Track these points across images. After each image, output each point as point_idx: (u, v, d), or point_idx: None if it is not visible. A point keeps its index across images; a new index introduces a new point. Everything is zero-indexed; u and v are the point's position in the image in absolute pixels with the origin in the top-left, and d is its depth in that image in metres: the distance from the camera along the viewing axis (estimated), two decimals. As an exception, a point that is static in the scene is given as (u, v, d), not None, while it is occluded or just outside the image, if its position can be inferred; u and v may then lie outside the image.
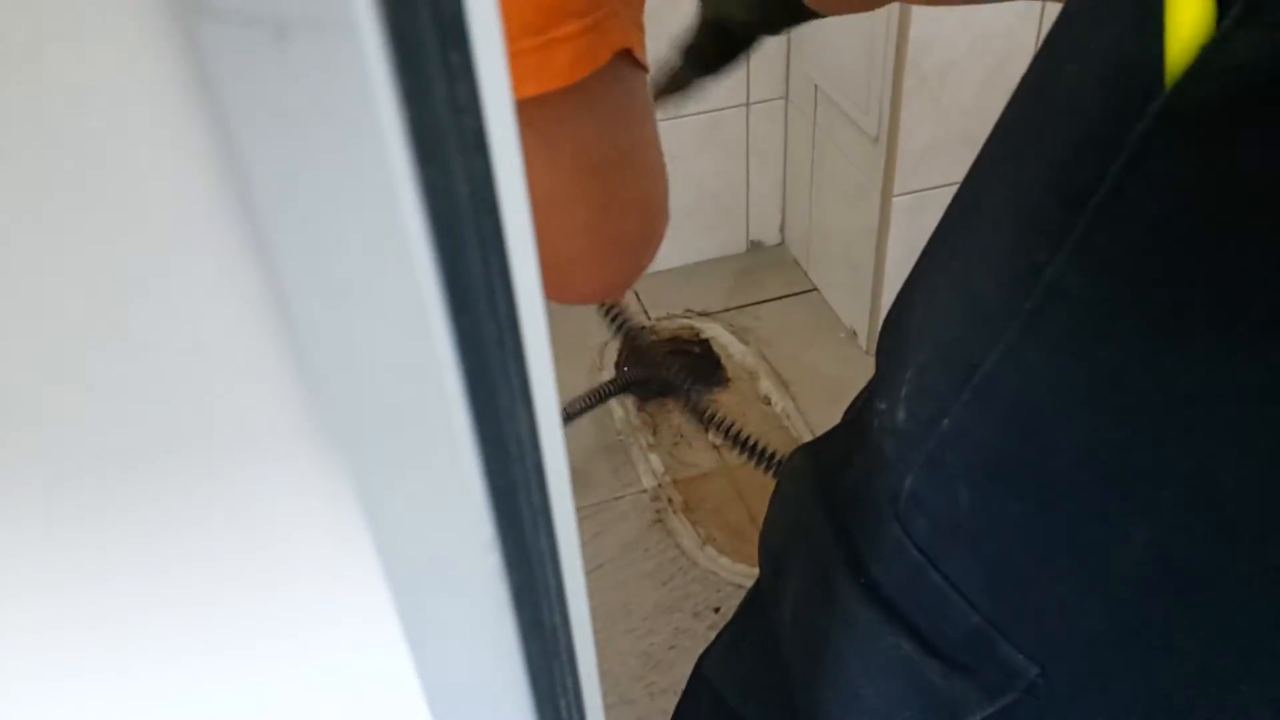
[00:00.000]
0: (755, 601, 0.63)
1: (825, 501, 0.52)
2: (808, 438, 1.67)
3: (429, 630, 0.25)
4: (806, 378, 1.78)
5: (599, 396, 1.67)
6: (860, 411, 0.53)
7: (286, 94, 0.16)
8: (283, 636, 0.26)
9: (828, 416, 1.75)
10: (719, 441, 0.88)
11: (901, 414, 0.45)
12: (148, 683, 0.26)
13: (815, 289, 1.95)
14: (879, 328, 1.75)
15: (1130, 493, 0.37)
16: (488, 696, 0.27)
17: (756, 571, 1.63)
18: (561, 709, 0.28)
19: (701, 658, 0.69)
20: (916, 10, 1.43)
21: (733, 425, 0.92)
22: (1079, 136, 0.35)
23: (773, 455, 0.95)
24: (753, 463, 0.94)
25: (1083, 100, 0.35)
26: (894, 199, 1.61)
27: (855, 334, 1.83)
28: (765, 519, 0.61)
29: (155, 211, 0.19)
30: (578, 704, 0.29)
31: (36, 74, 0.17)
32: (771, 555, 0.59)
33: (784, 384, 1.77)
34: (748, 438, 0.94)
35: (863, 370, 1.78)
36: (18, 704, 0.26)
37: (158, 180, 0.18)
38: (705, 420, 0.91)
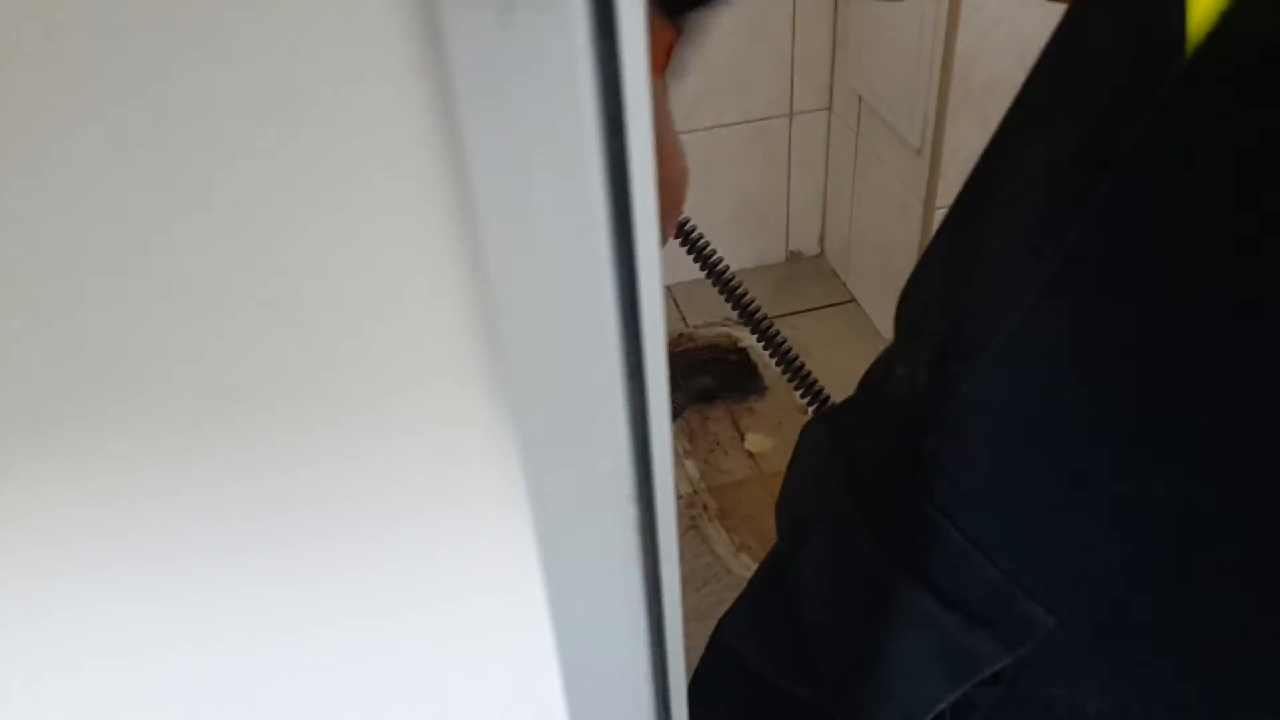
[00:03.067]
0: (774, 568, 0.64)
1: (843, 467, 0.53)
2: (844, 448, 1.67)
3: (569, 571, 0.27)
4: (844, 387, 1.77)
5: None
6: (878, 380, 0.54)
7: (505, 65, 0.18)
8: (434, 561, 0.28)
9: (864, 427, 1.74)
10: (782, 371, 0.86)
11: (922, 378, 0.46)
12: (312, 598, 0.28)
13: (854, 300, 1.95)
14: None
15: (1149, 446, 0.38)
16: (613, 638, 0.29)
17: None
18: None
19: (720, 623, 0.70)
20: (964, 22, 1.43)
21: (796, 358, 0.89)
22: (1100, 102, 0.36)
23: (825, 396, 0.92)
24: (806, 399, 0.91)
25: (1104, 68, 0.36)
26: (936, 211, 1.60)
27: (894, 345, 1.83)
28: (783, 486, 0.62)
29: (377, 166, 0.21)
30: (662, 672, 0.31)
31: (295, 41, 0.19)
32: (790, 521, 0.60)
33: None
34: (807, 373, 0.91)
35: (901, 382, 1.78)
36: (208, 613, 0.28)
37: (383, 137, 0.20)
38: (774, 346, 0.88)
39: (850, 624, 0.52)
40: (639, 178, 0.21)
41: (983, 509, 0.44)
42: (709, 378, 1.78)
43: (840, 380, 1.78)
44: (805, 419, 1.77)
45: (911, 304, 0.51)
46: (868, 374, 0.59)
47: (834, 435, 0.56)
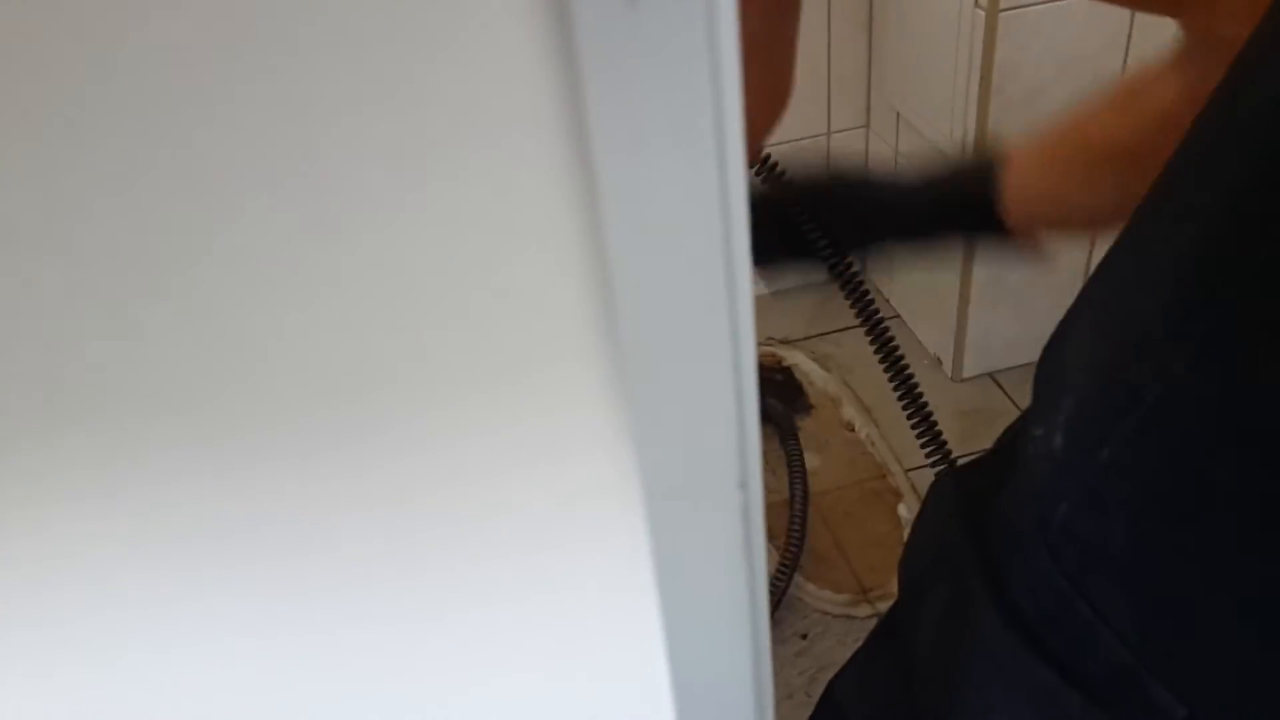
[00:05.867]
0: (890, 625, 0.62)
1: (969, 527, 0.50)
2: (893, 463, 1.66)
3: (677, 551, 0.28)
4: (889, 404, 1.76)
5: None
6: (1013, 439, 0.51)
7: (629, 46, 0.19)
8: (548, 548, 0.29)
9: (912, 442, 1.72)
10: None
11: (1059, 440, 0.43)
12: (418, 587, 0.29)
13: (898, 316, 1.95)
14: (964, 355, 1.73)
15: None
16: (721, 623, 0.30)
17: (842, 598, 1.60)
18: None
19: (833, 680, 0.69)
20: (1001, 34, 1.43)
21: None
22: (1267, 164, 0.34)
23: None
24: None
25: (1273, 128, 0.34)
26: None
27: (940, 361, 1.82)
28: (906, 543, 0.61)
29: (502, 152, 0.21)
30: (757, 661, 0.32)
31: (419, 25, 0.19)
32: (911, 579, 0.58)
33: (867, 410, 1.76)
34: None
35: (946, 396, 1.77)
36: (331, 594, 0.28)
37: (508, 124, 0.21)
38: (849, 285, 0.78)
39: (964, 689, 0.50)
40: (734, 168, 0.21)
41: (1116, 584, 0.41)
42: (774, 399, 1.77)
43: (887, 396, 1.77)
44: (852, 435, 1.76)
45: (1054, 357, 0.48)
46: (1003, 434, 0.57)
47: (961, 493, 0.53)
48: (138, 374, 0.23)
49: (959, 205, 0.64)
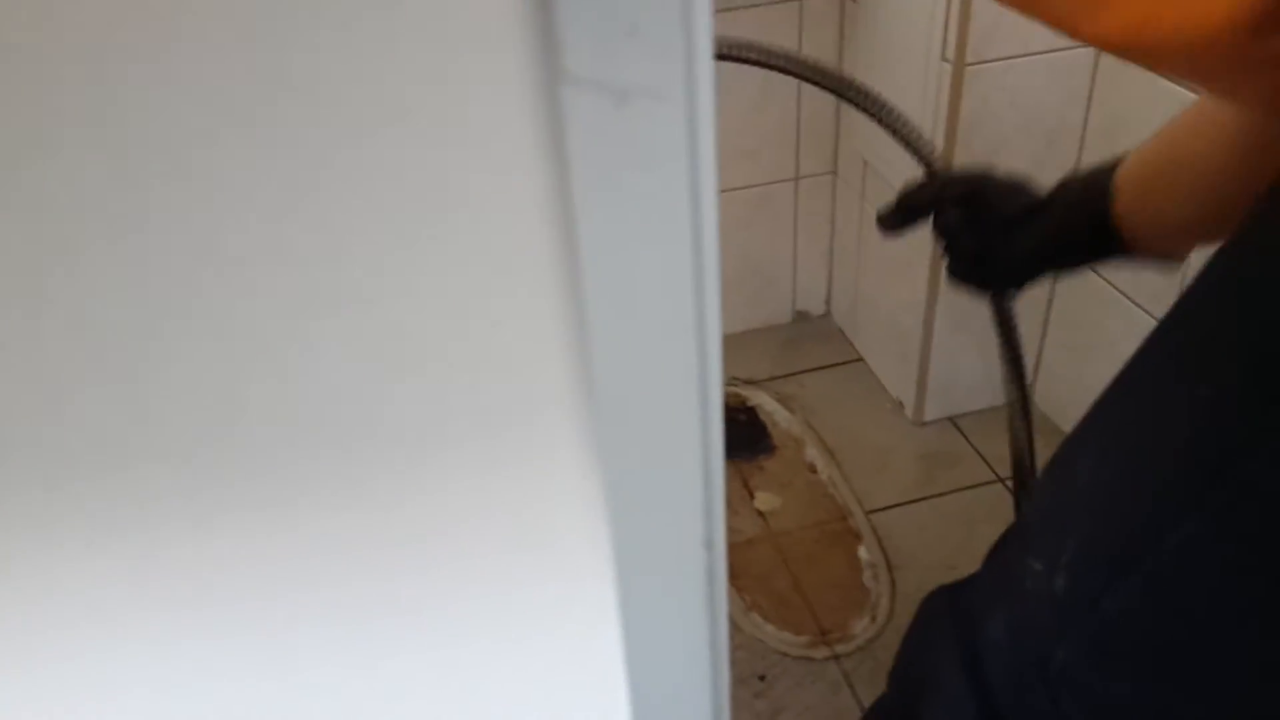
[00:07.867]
0: None
1: (965, 653, 0.50)
2: (854, 505, 1.67)
3: (644, 608, 0.28)
4: (852, 446, 1.78)
5: None
6: (1008, 561, 0.51)
7: (616, 145, 0.21)
8: (517, 592, 0.29)
9: (873, 484, 1.75)
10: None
11: (1060, 582, 0.43)
12: (390, 634, 0.29)
13: (861, 359, 1.97)
14: (926, 399, 1.73)
15: None
16: (686, 677, 0.30)
17: (801, 639, 1.59)
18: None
19: None
20: (966, 86, 1.46)
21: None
22: None
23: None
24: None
25: None
26: (941, 273, 1.62)
27: (902, 404, 1.84)
28: (899, 655, 0.61)
29: (496, 231, 0.22)
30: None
31: (427, 121, 0.21)
32: (904, 697, 0.58)
33: (829, 451, 1.78)
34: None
35: (908, 439, 1.79)
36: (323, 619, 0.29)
37: (501, 203, 0.22)
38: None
39: None
40: (709, 243, 0.23)
41: None
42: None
43: (850, 438, 1.79)
44: (814, 477, 1.77)
45: (1051, 490, 0.48)
46: (997, 547, 0.56)
47: (956, 613, 0.53)
48: (140, 420, 0.23)
49: (1080, 226, 0.66)
